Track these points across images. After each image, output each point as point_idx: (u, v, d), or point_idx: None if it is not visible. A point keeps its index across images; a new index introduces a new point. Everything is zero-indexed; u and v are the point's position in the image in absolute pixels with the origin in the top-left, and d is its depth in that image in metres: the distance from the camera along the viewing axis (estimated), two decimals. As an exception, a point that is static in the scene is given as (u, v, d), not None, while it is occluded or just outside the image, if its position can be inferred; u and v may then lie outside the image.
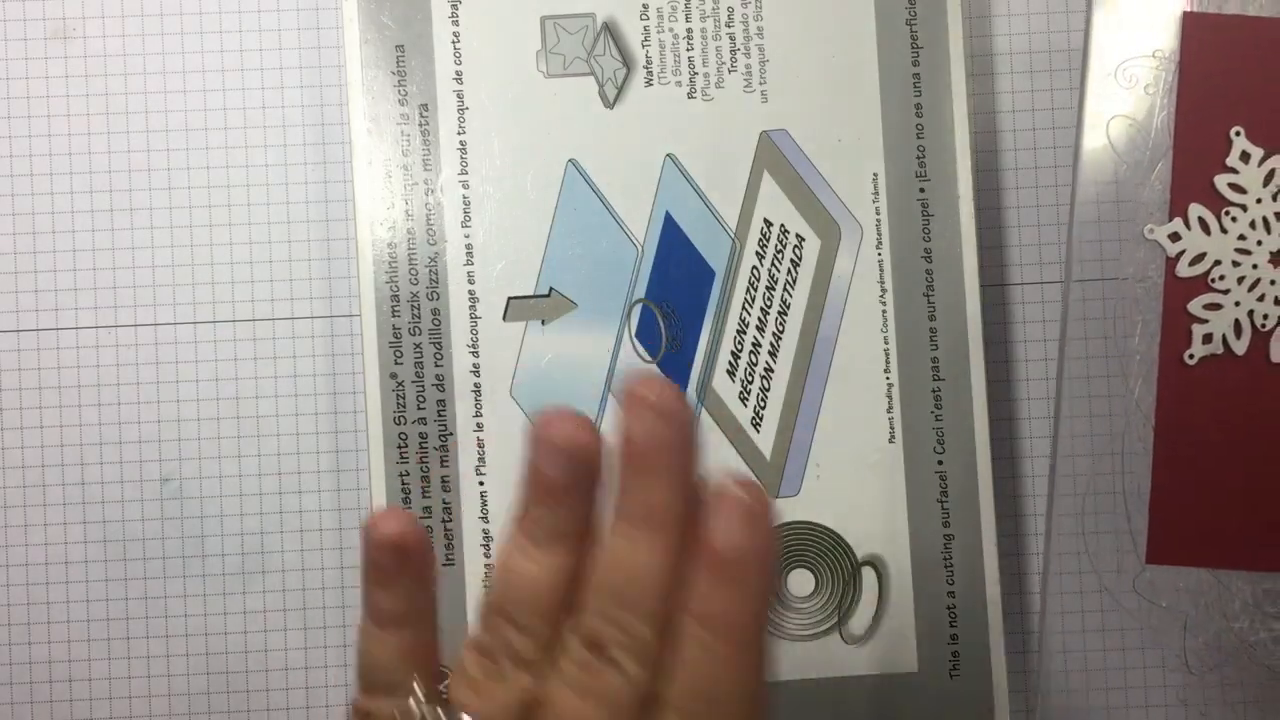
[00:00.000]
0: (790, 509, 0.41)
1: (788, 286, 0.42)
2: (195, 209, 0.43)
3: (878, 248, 0.42)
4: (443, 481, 0.41)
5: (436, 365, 0.41)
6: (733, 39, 0.42)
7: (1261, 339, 0.38)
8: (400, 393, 0.41)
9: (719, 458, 0.41)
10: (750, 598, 0.29)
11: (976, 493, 0.41)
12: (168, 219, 0.43)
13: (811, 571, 0.41)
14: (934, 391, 0.41)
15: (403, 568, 0.31)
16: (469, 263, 0.41)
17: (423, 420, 0.41)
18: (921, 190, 0.42)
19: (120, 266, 0.43)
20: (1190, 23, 0.38)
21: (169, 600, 0.43)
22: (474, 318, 0.41)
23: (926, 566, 0.41)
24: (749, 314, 0.41)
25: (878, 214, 0.42)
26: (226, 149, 0.43)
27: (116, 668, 0.43)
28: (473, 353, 0.41)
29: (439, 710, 0.30)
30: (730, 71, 0.42)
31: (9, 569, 0.43)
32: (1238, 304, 0.38)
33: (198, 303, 0.43)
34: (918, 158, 0.42)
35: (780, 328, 0.41)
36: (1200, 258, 0.38)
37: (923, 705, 0.41)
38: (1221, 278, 0.38)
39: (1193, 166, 0.38)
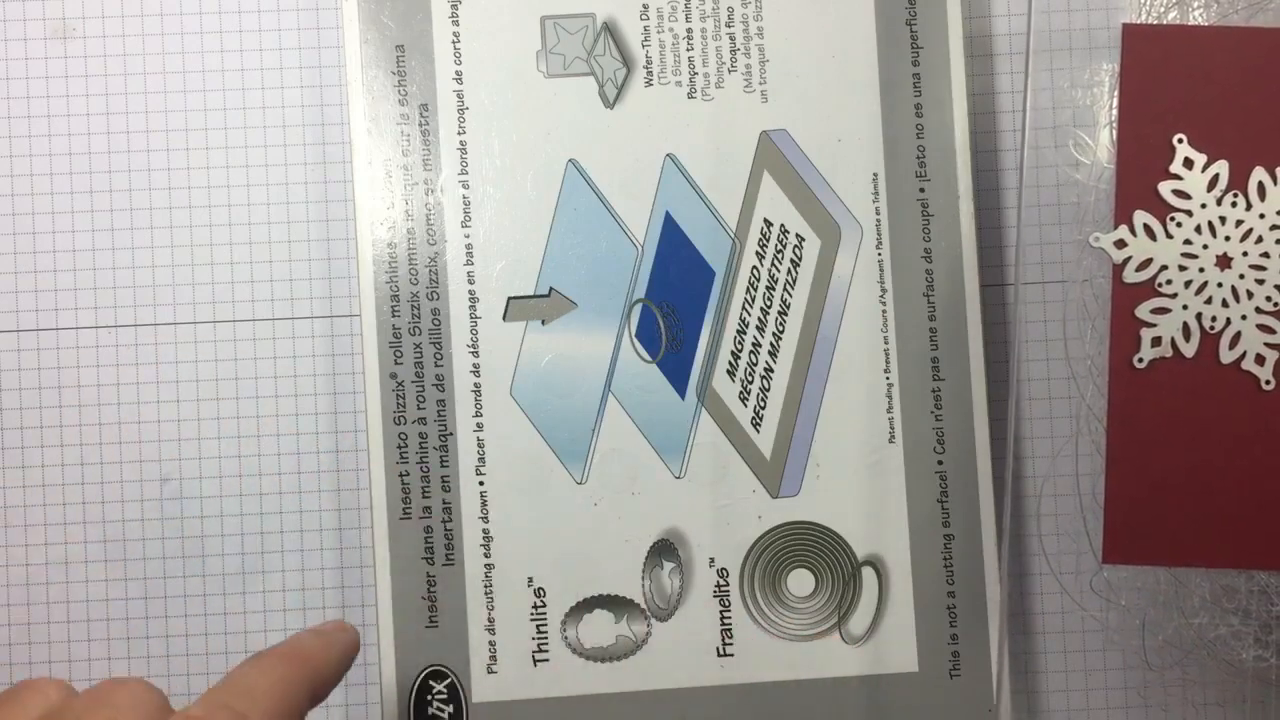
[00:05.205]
0: (790, 509, 0.41)
1: (788, 286, 0.42)
2: (195, 209, 0.43)
3: (878, 248, 0.42)
4: (443, 481, 0.41)
5: (436, 365, 0.41)
6: (733, 39, 0.42)
7: (1210, 341, 0.38)
8: (400, 393, 0.41)
9: (719, 458, 0.41)
10: None
11: (976, 493, 0.41)
12: (168, 219, 0.43)
13: (811, 571, 0.41)
14: (934, 391, 0.41)
15: None
16: (469, 263, 0.41)
17: (423, 420, 0.41)
18: (921, 190, 0.42)
19: (120, 266, 0.43)
20: (1131, 34, 0.39)
21: (169, 600, 0.43)
22: (474, 318, 0.41)
23: (926, 566, 0.41)
24: (749, 314, 0.41)
25: (878, 214, 0.42)
26: (226, 149, 0.43)
27: (116, 668, 0.43)
28: (473, 353, 0.41)
29: None
30: (730, 71, 0.42)
31: (9, 569, 0.43)
32: (1185, 307, 0.38)
33: (198, 303, 0.43)
34: (918, 158, 0.42)
35: (780, 328, 0.41)
36: (1146, 263, 0.39)
37: (923, 705, 0.41)
38: (1169, 282, 0.38)
39: (1136, 174, 0.39)
